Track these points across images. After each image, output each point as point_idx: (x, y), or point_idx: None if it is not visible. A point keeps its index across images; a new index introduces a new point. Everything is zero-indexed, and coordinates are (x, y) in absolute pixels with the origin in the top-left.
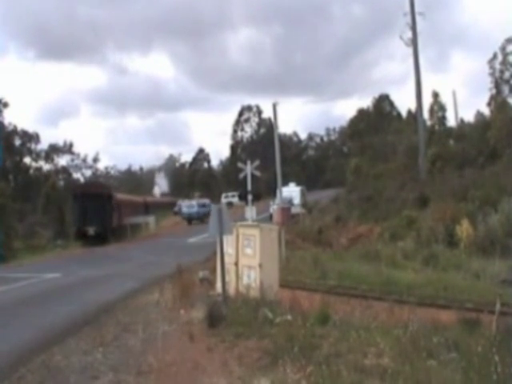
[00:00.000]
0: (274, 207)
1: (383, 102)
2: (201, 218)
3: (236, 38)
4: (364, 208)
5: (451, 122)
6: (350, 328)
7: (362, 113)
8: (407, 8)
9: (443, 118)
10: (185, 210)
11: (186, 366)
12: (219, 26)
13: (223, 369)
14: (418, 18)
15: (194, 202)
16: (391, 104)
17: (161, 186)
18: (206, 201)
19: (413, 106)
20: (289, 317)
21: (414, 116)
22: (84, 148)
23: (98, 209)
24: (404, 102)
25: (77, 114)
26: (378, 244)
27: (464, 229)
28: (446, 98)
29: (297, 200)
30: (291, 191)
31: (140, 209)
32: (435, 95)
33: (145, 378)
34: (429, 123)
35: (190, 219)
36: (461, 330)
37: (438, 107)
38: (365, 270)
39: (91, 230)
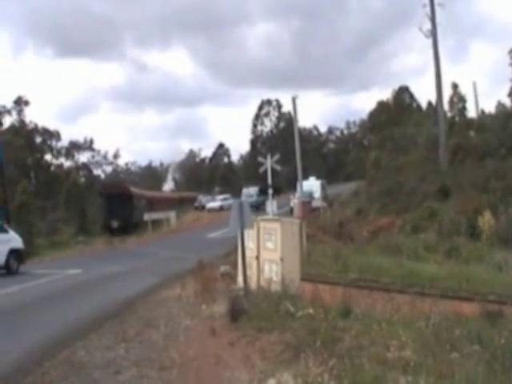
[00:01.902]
0: (295, 201)
1: (403, 94)
2: (258, 206)
3: (254, 32)
4: (385, 201)
5: (472, 113)
6: (372, 321)
7: (381, 105)
8: None
9: (464, 109)
10: (243, 199)
11: (208, 361)
12: (237, 21)
13: (245, 363)
14: (438, 9)
15: (252, 191)
16: (411, 96)
17: (169, 182)
18: (255, 189)
19: (433, 98)
20: (310, 310)
21: (434, 108)
22: (104, 144)
23: (120, 206)
24: (424, 94)
25: (96, 110)
26: (399, 237)
27: (486, 220)
28: (466, 89)
29: (317, 193)
30: (311, 185)
31: (166, 204)
32: (455, 86)
33: (167, 373)
34: (449, 115)
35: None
36: (483, 323)
37: (457, 98)
38: (386, 262)
39: (115, 224)
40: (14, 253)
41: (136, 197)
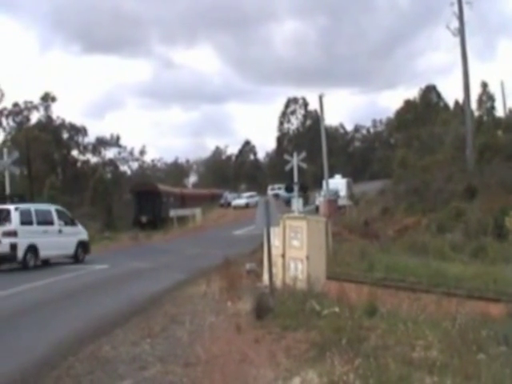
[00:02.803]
0: (320, 199)
1: (430, 93)
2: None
3: (280, 30)
4: (411, 200)
5: (500, 112)
6: (398, 320)
7: (408, 104)
8: None
9: (492, 109)
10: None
11: (234, 358)
12: (264, 18)
13: (270, 361)
14: (465, 7)
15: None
16: (438, 95)
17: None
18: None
19: (460, 97)
20: (336, 309)
21: (462, 107)
22: (130, 140)
23: (149, 202)
24: (451, 93)
25: (123, 106)
26: (425, 236)
27: None
28: (493, 88)
29: (343, 192)
30: (337, 183)
31: (198, 201)
32: (484, 85)
33: (193, 369)
34: (477, 114)
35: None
36: (510, 324)
37: (486, 97)
38: (412, 262)
39: (144, 219)
40: (81, 244)
41: (164, 194)
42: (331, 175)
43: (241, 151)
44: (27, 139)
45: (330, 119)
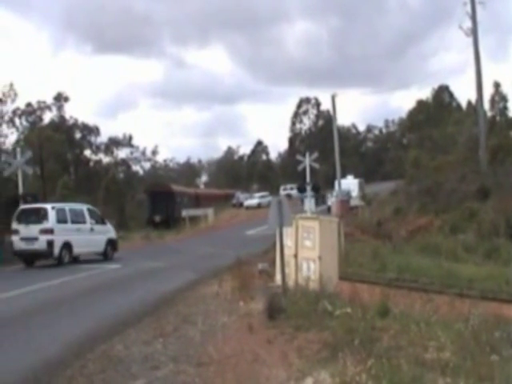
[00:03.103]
0: (333, 199)
1: (443, 93)
2: None
3: (292, 30)
4: (424, 200)
5: None
6: (411, 321)
7: (421, 104)
8: None
9: (504, 109)
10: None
11: (246, 358)
12: (276, 19)
13: (283, 361)
14: (478, 7)
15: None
16: (451, 95)
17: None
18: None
19: (473, 97)
20: (348, 309)
21: (474, 107)
22: (142, 140)
23: (163, 203)
24: (463, 93)
25: (135, 106)
26: (438, 237)
27: None
28: (506, 88)
29: (355, 192)
30: (349, 183)
31: (213, 201)
32: (496, 85)
33: (205, 369)
34: (490, 114)
35: None
36: None
37: (499, 98)
38: (425, 262)
39: (157, 218)
40: (110, 242)
41: (178, 194)
42: (343, 175)
43: (253, 151)
44: (40, 139)
45: (343, 119)
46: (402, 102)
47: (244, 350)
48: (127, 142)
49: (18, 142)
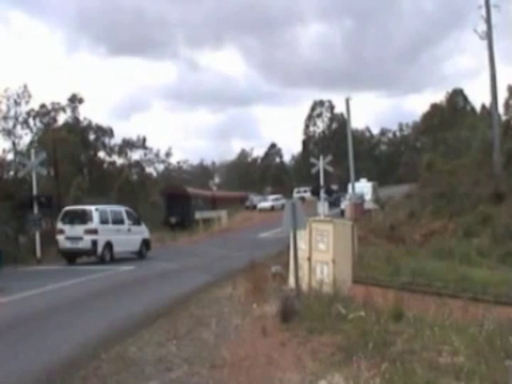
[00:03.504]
0: (346, 203)
1: (457, 97)
2: None
3: (306, 33)
4: (437, 204)
5: None
6: (424, 325)
7: (435, 108)
8: (480, 0)
9: None
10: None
11: (260, 361)
12: (289, 21)
13: (296, 364)
14: (493, 11)
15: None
16: (465, 98)
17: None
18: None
19: (487, 101)
20: (362, 313)
21: (489, 110)
22: (156, 142)
23: (178, 204)
24: (478, 96)
25: (149, 108)
26: (451, 241)
27: None
28: None
29: (368, 195)
30: (363, 187)
31: (229, 203)
32: (511, 89)
33: (218, 372)
34: (504, 118)
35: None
36: None
37: None
38: (439, 266)
39: (173, 220)
40: (144, 242)
41: (193, 197)
42: (357, 179)
43: (266, 154)
44: (54, 140)
45: (356, 122)
46: (415, 105)
47: (258, 352)
48: (141, 143)
49: (32, 143)
